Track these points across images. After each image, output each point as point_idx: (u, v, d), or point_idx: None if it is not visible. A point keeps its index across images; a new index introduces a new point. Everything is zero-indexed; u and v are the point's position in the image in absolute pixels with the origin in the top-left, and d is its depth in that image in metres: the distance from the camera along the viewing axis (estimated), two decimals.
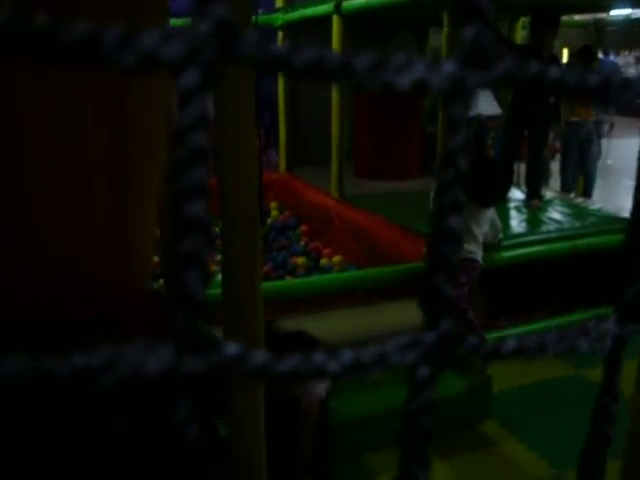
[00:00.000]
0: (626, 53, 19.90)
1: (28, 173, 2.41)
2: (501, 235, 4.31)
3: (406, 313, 3.91)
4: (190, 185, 0.23)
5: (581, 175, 7.11)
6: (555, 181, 7.34)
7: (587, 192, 7.04)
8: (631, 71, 18.84)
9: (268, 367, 0.22)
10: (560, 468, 3.28)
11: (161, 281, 3.79)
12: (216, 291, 3.61)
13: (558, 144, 7.32)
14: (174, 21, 3.01)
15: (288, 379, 0.23)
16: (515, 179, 6.25)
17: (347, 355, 0.23)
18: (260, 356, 0.22)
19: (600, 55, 11.14)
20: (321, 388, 2.74)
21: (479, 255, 4.00)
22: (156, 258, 3.92)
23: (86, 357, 0.21)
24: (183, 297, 0.21)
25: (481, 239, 4.01)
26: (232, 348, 0.22)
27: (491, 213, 4.08)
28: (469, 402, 3.69)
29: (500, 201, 4.66)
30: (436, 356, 0.24)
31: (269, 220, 5.78)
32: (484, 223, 4.01)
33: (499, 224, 4.21)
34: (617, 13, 7.51)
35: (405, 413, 0.25)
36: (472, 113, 5.53)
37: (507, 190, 5.58)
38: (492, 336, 4.25)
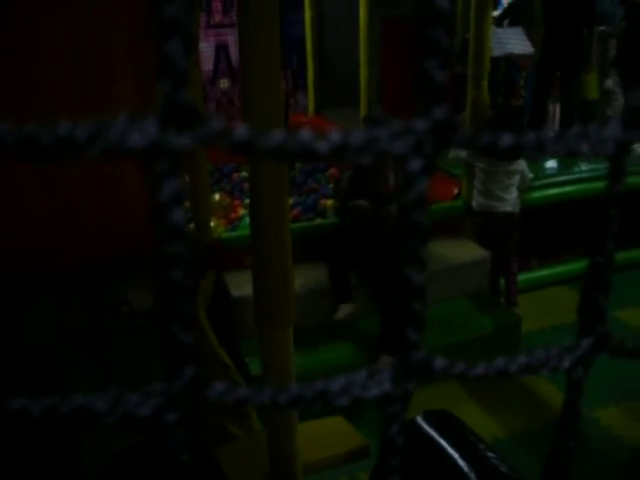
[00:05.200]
0: None
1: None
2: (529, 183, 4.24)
3: (435, 251, 3.93)
4: None
5: None
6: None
7: None
8: None
9: (252, 141, 0.22)
10: (589, 407, 3.30)
11: (191, 225, 3.84)
12: (245, 232, 3.65)
13: None
14: None
15: (272, 156, 0.22)
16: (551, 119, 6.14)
17: (335, 136, 0.23)
18: (243, 130, 0.22)
19: None
20: None
21: (510, 206, 3.99)
22: (186, 203, 3.95)
23: (71, 127, 0.20)
24: (166, 68, 0.20)
25: (512, 190, 3.98)
26: (217, 123, 0.21)
27: (521, 165, 3.98)
28: (498, 342, 3.71)
29: None
30: (429, 146, 0.23)
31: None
32: (513, 175, 3.95)
33: (528, 177, 4.12)
34: None
35: (401, 207, 0.25)
36: (503, 52, 5.41)
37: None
38: (522, 278, 4.25)
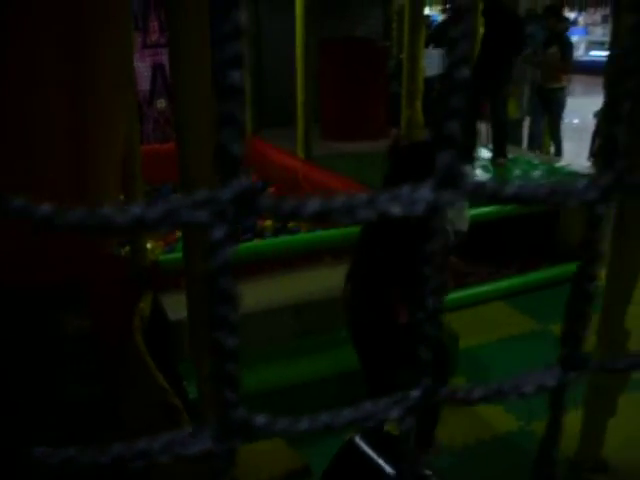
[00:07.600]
0: (592, 11, 19.69)
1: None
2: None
3: None
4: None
5: (549, 135, 7.21)
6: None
7: (558, 151, 7.13)
8: (598, 31, 18.71)
9: (53, 218, 0.21)
10: (526, 421, 3.35)
11: (127, 248, 3.78)
12: (179, 256, 3.63)
13: None
14: None
15: (75, 230, 0.22)
16: (485, 139, 6.28)
17: (135, 209, 0.23)
18: (45, 208, 0.21)
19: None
20: None
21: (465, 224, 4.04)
22: None
23: None
24: None
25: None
26: (18, 201, 0.21)
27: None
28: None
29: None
30: (231, 215, 0.24)
31: None
32: None
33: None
34: None
35: (206, 274, 0.25)
36: (436, 72, 5.52)
37: (471, 150, 5.58)
38: (459, 295, 4.31)
